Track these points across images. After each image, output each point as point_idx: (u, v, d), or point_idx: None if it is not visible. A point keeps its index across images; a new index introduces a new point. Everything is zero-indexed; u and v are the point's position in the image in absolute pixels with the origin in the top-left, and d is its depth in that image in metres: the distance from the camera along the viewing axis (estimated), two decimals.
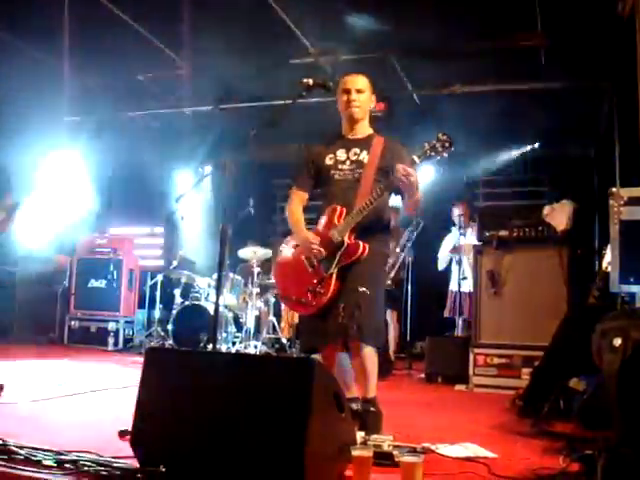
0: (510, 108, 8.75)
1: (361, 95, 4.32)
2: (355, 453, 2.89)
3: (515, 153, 10.67)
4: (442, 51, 8.01)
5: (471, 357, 6.98)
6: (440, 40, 7.76)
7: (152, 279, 10.67)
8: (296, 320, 9.01)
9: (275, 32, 7.93)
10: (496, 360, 6.85)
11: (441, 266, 9.46)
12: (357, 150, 4.32)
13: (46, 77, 9.54)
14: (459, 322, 9.02)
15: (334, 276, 4.10)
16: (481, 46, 7.83)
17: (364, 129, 4.43)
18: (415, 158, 4.01)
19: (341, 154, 4.35)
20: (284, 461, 2.56)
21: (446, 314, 9.41)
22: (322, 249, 4.15)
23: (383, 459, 3.14)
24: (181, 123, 10.97)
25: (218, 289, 4.34)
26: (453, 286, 9.19)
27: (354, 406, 3.96)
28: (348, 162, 4.30)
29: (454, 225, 9.16)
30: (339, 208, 4.21)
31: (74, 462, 2.76)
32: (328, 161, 4.36)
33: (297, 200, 4.50)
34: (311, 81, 4.42)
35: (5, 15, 8.02)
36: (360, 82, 4.34)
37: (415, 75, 9.03)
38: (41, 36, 8.52)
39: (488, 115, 8.54)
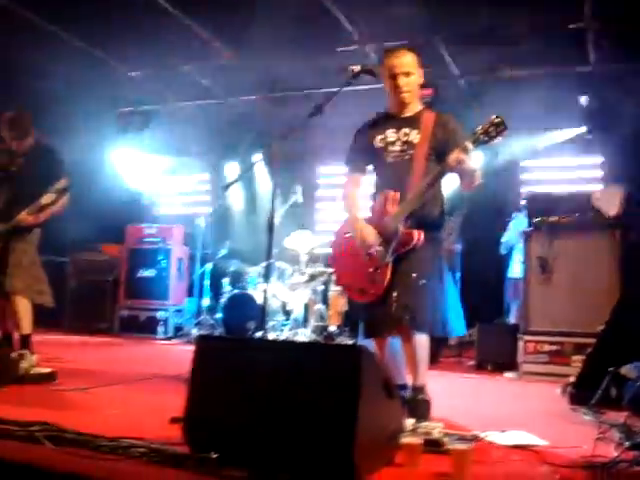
0: (558, 91, 8.63)
1: (409, 78, 4.21)
2: (404, 440, 2.89)
3: (564, 137, 10.51)
4: (489, 35, 7.92)
5: (521, 344, 6.91)
6: (487, 24, 7.69)
7: (201, 268, 10.74)
8: (344, 308, 9.01)
9: (321, 20, 7.91)
10: (546, 347, 6.77)
11: (504, 250, 9.41)
12: (407, 130, 4.22)
13: (93, 70, 9.66)
14: (513, 309, 8.96)
15: (389, 265, 4.05)
16: (529, 29, 7.73)
17: (414, 106, 4.32)
18: (468, 144, 3.88)
19: (391, 134, 4.26)
20: (333, 448, 2.56)
21: (508, 299, 9.41)
22: (375, 245, 4.12)
23: (433, 446, 3.12)
24: (228, 112, 11.02)
25: (266, 277, 4.39)
26: (514, 272, 9.11)
27: (404, 393, 3.96)
28: (399, 143, 4.22)
29: (519, 211, 9.07)
30: (392, 194, 4.13)
31: (127, 448, 2.79)
32: (378, 143, 4.28)
33: (351, 184, 4.46)
34: (358, 68, 4.39)
35: (53, 9, 8.13)
36: (406, 63, 4.20)
37: (462, 60, 8.95)
38: (87, 28, 8.62)
39: (536, 99, 8.42)
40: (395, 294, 3.99)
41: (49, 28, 8.61)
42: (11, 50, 8.89)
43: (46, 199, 5.55)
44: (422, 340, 4.03)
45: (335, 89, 4.41)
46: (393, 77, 4.22)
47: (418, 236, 4.04)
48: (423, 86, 4.41)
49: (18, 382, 4.74)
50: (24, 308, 5.60)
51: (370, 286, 4.11)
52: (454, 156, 3.85)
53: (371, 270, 4.12)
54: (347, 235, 4.38)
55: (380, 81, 4.40)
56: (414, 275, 4.01)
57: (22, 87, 8.95)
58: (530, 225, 7.16)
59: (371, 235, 4.15)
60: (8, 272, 5.57)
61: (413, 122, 4.24)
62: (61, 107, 10.16)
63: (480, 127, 3.88)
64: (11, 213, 5.63)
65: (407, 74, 4.21)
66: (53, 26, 8.60)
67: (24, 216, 5.57)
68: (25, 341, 5.54)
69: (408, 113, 4.30)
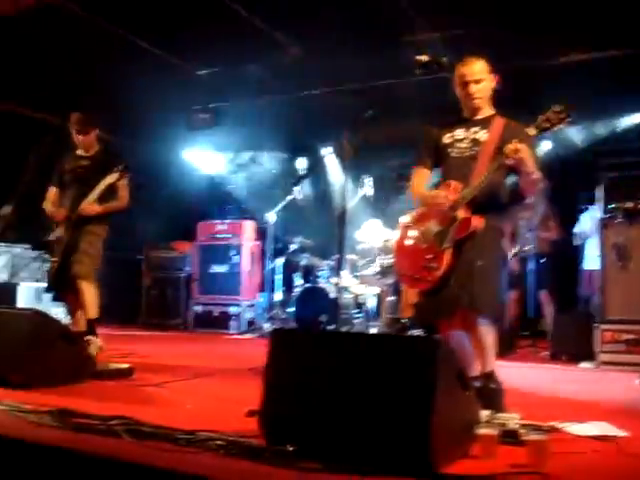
0: (631, 73, 8.42)
1: (480, 84, 4.26)
2: (480, 432, 2.86)
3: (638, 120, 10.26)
4: (552, 19, 7.76)
5: (598, 334, 6.77)
6: (550, 8, 7.53)
7: (272, 263, 10.80)
8: (417, 300, 8.96)
9: (384, 10, 7.86)
10: (624, 336, 6.62)
11: (578, 241, 9.24)
12: (476, 129, 4.28)
13: (163, 72, 9.79)
14: (594, 300, 8.81)
15: (448, 251, 4.09)
16: (595, 10, 7.55)
17: (485, 111, 4.37)
18: (530, 131, 3.97)
19: (460, 133, 4.32)
20: (409, 440, 2.56)
21: (582, 291, 9.24)
22: (450, 196, 4.14)
23: (509, 438, 3.09)
24: (295, 107, 11.04)
25: (338, 271, 4.38)
26: (589, 264, 8.94)
27: (476, 384, 3.92)
28: (466, 140, 4.28)
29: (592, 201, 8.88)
30: (453, 183, 4.19)
31: (204, 441, 2.82)
32: (446, 139, 4.35)
33: (419, 177, 4.51)
34: (424, 58, 4.38)
35: (124, 16, 8.27)
36: (477, 71, 4.26)
37: (526, 46, 8.79)
38: (156, 32, 8.74)
39: (608, 81, 8.23)
40: (454, 278, 4.03)
41: (120, 33, 8.76)
42: (90, 58, 9.08)
43: (101, 186, 5.83)
44: (486, 325, 4.02)
45: (402, 80, 4.40)
46: (464, 85, 4.28)
47: (477, 222, 4.08)
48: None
49: (96, 377, 4.83)
50: (89, 293, 5.86)
51: (426, 273, 4.15)
52: (511, 146, 3.91)
53: (429, 257, 4.16)
54: (408, 223, 4.47)
55: (446, 70, 4.38)
56: (473, 259, 4.03)
57: (99, 93, 9.13)
58: (606, 212, 7.01)
59: (441, 195, 4.19)
60: (76, 259, 5.85)
61: (483, 123, 4.30)
62: (135, 110, 10.35)
63: (541, 115, 3.96)
64: (77, 208, 5.93)
65: (478, 81, 4.27)
66: (124, 31, 8.75)
67: (84, 206, 5.86)
68: (90, 326, 5.80)
69: (479, 116, 4.35)
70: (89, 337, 5.70)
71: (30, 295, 9.55)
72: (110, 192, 6.03)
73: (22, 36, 8.37)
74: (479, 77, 4.25)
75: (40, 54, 9.06)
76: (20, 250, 9.79)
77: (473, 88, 4.25)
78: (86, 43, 8.75)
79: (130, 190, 6.19)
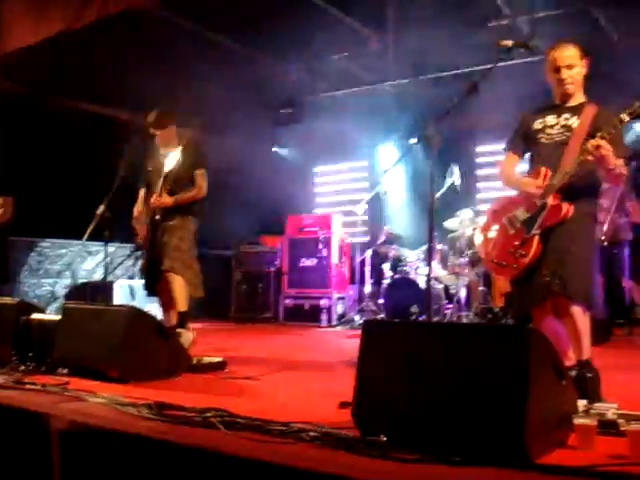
0: None
1: (572, 70, 4.18)
2: (578, 422, 2.80)
3: None
4: None
5: None
6: None
7: (361, 255, 10.81)
8: (508, 289, 8.83)
9: None
10: None
11: None
12: (567, 115, 4.21)
13: (247, 68, 9.89)
14: None
15: (537, 238, 4.05)
16: None
17: (577, 98, 4.28)
18: (623, 117, 3.86)
19: (551, 119, 4.26)
20: (504, 430, 2.52)
21: None
22: (539, 182, 4.11)
23: (607, 428, 3.01)
24: (381, 98, 11.01)
25: (429, 261, 4.35)
26: None
27: (572, 373, 3.85)
28: (557, 126, 4.22)
29: None
30: (544, 170, 4.14)
31: (297, 432, 2.84)
32: (537, 125, 4.30)
33: (509, 163, 4.48)
34: (510, 42, 4.30)
35: (208, 15, 8.38)
36: (569, 56, 4.17)
37: (622, 25, 8.54)
38: (240, 29, 8.83)
39: None
40: (545, 265, 3.99)
41: (204, 32, 8.89)
42: (174, 58, 9.24)
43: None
44: (579, 311, 3.94)
45: (488, 66, 4.34)
46: (556, 70, 4.21)
47: (567, 209, 4.02)
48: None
49: (191, 371, 4.92)
50: (179, 286, 5.87)
51: (513, 260, 4.13)
52: (593, 142, 3.85)
53: (516, 243, 4.14)
54: (496, 211, 4.48)
55: (534, 54, 4.31)
56: (565, 246, 3.98)
57: (185, 92, 9.26)
58: None
59: (531, 181, 4.18)
60: (166, 253, 5.89)
61: (575, 110, 4.23)
62: (221, 107, 10.48)
63: (638, 101, 3.84)
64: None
65: (570, 66, 4.19)
66: (208, 30, 8.88)
67: (154, 199, 5.95)
68: (181, 318, 5.83)
69: (571, 103, 4.27)
70: (180, 330, 5.76)
71: (125, 292, 9.80)
72: (187, 183, 6.11)
73: (108, 39, 8.55)
74: (571, 62, 4.17)
75: (126, 57, 9.26)
76: (114, 248, 10.04)
77: (565, 73, 4.17)
78: (170, 44, 8.90)
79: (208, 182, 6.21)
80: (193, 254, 6.10)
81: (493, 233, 4.42)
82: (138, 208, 6.32)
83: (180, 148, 6.10)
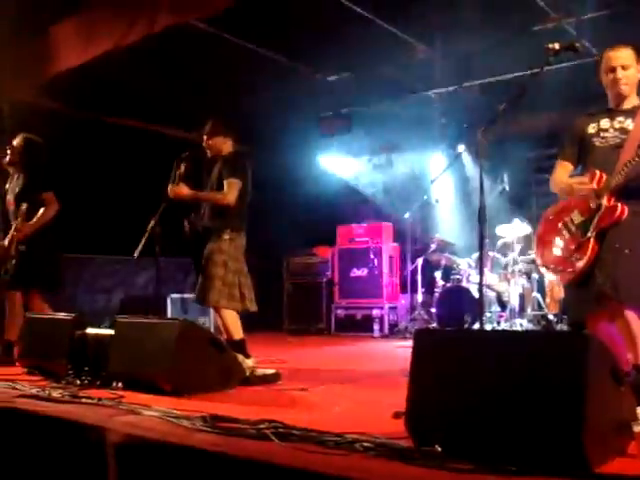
0: None
1: (627, 71, 4.15)
2: (637, 429, 2.74)
3: None
4: None
5: None
6: None
7: (412, 264, 10.76)
8: (562, 295, 8.72)
9: (511, 1, 7.69)
10: None
11: None
12: (621, 119, 4.17)
13: (294, 81, 9.94)
14: None
15: (592, 240, 4.02)
16: None
17: (632, 100, 4.24)
18: None
19: (604, 123, 4.22)
20: (562, 438, 2.47)
21: None
22: (594, 184, 4.06)
23: None
24: (429, 106, 10.97)
25: (480, 269, 4.31)
26: None
27: (629, 378, 3.77)
28: (611, 130, 4.18)
29: None
30: (598, 172, 4.08)
31: (352, 443, 2.83)
32: (590, 130, 4.26)
33: (561, 171, 4.43)
34: (557, 45, 4.26)
35: (247, 26, 8.44)
36: (624, 57, 4.14)
37: None
38: (285, 42, 8.88)
39: None
40: (598, 268, 3.95)
41: (250, 47, 8.95)
42: (222, 72, 9.33)
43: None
44: (632, 315, 3.88)
45: (535, 70, 4.30)
46: (611, 70, 4.18)
47: (622, 209, 3.97)
48: None
49: (245, 383, 4.93)
50: (229, 318, 5.64)
51: (569, 265, 4.11)
52: None
53: (572, 248, 4.12)
54: (550, 217, 4.43)
55: (581, 57, 4.27)
56: (619, 248, 3.93)
57: (232, 106, 9.34)
58: None
59: (585, 183, 4.14)
60: (211, 287, 5.62)
61: (629, 113, 4.18)
62: (268, 121, 10.56)
63: None
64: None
65: (625, 67, 4.15)
66: (255, 45, 8.94)
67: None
68: (237, 346, 5.52)
69: (625, 106, 4.23)
70: (240, 358, 5.43)
71: (177, 306, 9.89)
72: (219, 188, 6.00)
73: (155, 57, 8.67)
74: (626, 63, 4.14)
75: (173, 73, 9.38)
76: (165, 263, 10.14)
77: (620, 74, 4.13)
78: (217, 59, 8.99)
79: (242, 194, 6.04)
80: (239, 272, 5.79)
81: (549, 238, 4.38)
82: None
83: (223, 158, 6.09)
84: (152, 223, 6.00)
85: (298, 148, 12.17)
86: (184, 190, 5.83)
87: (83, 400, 4.02)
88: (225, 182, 5.78)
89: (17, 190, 6.80)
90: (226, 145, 6.12)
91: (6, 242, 6.56)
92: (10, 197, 6.87)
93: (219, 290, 5.61)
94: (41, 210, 6.61)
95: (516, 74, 8.88)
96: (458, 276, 9.58)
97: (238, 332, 5.64)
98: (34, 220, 6.57)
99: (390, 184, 12.51)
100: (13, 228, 6.55)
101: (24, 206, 6.53)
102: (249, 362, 5.47)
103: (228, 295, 5.65)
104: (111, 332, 5.01)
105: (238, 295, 5.70)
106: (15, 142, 6.95)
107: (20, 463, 3.66)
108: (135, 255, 5.86)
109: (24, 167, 6.88)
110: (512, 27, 8.24)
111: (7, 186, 7.00)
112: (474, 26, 7.79)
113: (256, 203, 6.15)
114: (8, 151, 6.95)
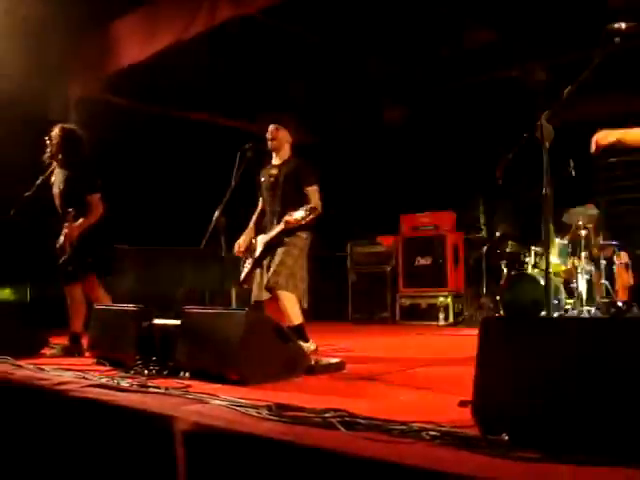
0: None
1: None
2: None
3: None
4: None
5: None
6: None
7: (477, 252, 10.66)
8: (631, 282, 8.56)
9: None
10: None
11: None
12: None
13: (354, 71, 9.92)
14: None
15: None
16: None
17: None
18: None
19: None
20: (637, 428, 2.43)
21: None
22: None
23: None
24: (491, 91, 10.83)
25: (546, 256, 4.25)
26: None
27: None
28: None
29: None
30: None
31: (418, 432, 2.81)
32: None
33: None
34: (624, 25, 4.14)
35: (310, 17, 8.46)
36: None
37: None
38: (341, 30, 8.87)
39: None
40: None
41: (314, 39, 8.98)
42: (284, 64, 9.37)
43: (297, 215, 5.90)
44: None
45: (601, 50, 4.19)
46: None
47: None
48: None
49: (310, 372, 4.94)
50: (289, 301, 5.95)
51: None
52: None
53: None
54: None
55: None
56: None
57: (294, 98, 9.38)
58: None
59: None
60: (274, 270, 5.99)
61: None
62: (332, 112, 10.56)
63: None
64: (282, 215, 6.08)
65: None
66: (319, 38, 8.97)
67: (288, 218, 5.94)
68: (297, 331, 5.81)
69: None
70: (300, 343, 5.68)
71: (241, 297, 9.95)
72: (296, 199, 6.14)
73: (217, 49, 8.74)
74: None
75: (236, 66, 9.44)
76: (230, 254, 10.22)
77: None
78: (279, 51, 9.02)
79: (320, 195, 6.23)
80: (301, 267, 6.15)
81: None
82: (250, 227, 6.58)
83: (291, 160, 6.22)
84: (217, 214, 6.08)
85: (363, 137, 12.14)
86: (292, 219, 5.94)
87: (151, 389, 4.07)
88: (307, 191, 6.11)
89: (62, 186, 6.69)
90: (288, 139, 6.25)
91: (61, 240, 6.59)
92: (56, 190, 6.76)
93: (286, 277, 5.94)
94: (86, 215, 6.53)
95: (582, 55, 8.72)
96: (523, 264, 9.46)
97: (298, 317, 5.94)
98: (78, 223, 6.50)
99: (452, 171, 12.39)
100: (63, 231, 6.55)
101: (71, 212, 6.52)
102: (310, 346, 5.76)
103: (293, 285, 5.97)
104: (177, 322, 5.07)
105: (301, 288, 6.06)
106: (53, 133, 6.77)
107: (90, 452, 3.73)
108: (201, 246, 5.96)
109: (65, 161, 6.73)
110: (577, 4, 8.06)
111: (52, 179, 6.85)
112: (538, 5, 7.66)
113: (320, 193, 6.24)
114: (47, 142, 6.77)
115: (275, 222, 6.15)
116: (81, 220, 6.50)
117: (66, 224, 6.49)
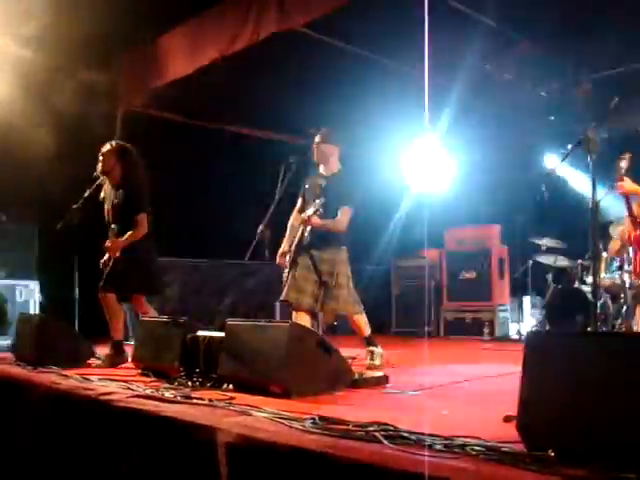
0: None
1: None
2: None
3: None
4: None
5: None
6: None
7: (522, 265, 10.57)
8: None
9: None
10: None
11: None
12: None
13: (396, 84, 9.91)
14: None
15: None
16: None
17: None
18: None
19: None
20: None
21: None
22: None
23: None
24: (536, 103, 10.76)
25: (594, 270, 4.21)
26: None
27: None
28: None
29: None
30: None
31: (462, 446, 2.79)
32: None
33: None
34: None
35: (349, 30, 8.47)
36: None
37: None
38: (389, 45, 8.87)
39: None
40: None
41: (359, 53, 8.99)
42: (328, 78, 9.40)
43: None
44: None
45: None
46: None
47: None
48: None
49: (353, 386, 4.93)
50: (360, 320, 6.41)
51: None
52: None
53: None
54: None
55: None
56: None
57: (339, 111, 9.39)
58: None
59: None
60: (340, 296, 6.25)
61: None
62: (376, 125, 10.56)
63: None
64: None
65: None
66: (364, 51, 8.98)
67: (310, 216, 6.05)
68: (369, 340, 6.44)
69: None
70: (371, 348, 6.38)
71: (285, 310, 9.99)
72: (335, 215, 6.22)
73: (260, 64, 8.79)
74: None
75: (279, 80, 9.48)
76: (274, 267, 10.27)
77: None
78: (322, 64, 9.04)
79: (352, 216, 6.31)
80: (349, 278, 6.37)
81: None
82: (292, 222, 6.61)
83: (339, 176, 6.27)
84: (261, 227, 6.13)
85: (405, 149, 12.13)
86: (318, 221, 6.07)
87: (195, 401, 4.10)
88: (340, 210, 6.20)
89: (115, 202, 6.65)
90: (334, 153, 6.32)
91: (105, 257, 6.61)
92: (108, 206, 6.74)
93: (346, 298, 6.26)
94: (130, 232, 6.50)
95: (628, 66, 8.63)
96: (569, 277, 9.36)
97: (367, 328, 6.44)
98: (123, 239, 6.49)
99: (495, 184, 12.33)
100: (106, 246, 6.57)
101: (116, 227, 6.55)
102: (381, 351, 6.42)
103: (354, 301, 6.34)
104: (221, 335, 5.09)
105: (358, 300, 6.41)
106: (105, 149, 6.68)
107: (134, 462, 3.76)
108: (245, 259, 6.01)
109: (121, 179, 6.68)
110: (627, 17, 7.97)
111: (102, 194, 6.82)
112: (585, 17, 7.59)
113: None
114: (100, 158, 6.66)
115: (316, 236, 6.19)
116: (126, 236, 6.51)
117: (108, 240, 6.55)
